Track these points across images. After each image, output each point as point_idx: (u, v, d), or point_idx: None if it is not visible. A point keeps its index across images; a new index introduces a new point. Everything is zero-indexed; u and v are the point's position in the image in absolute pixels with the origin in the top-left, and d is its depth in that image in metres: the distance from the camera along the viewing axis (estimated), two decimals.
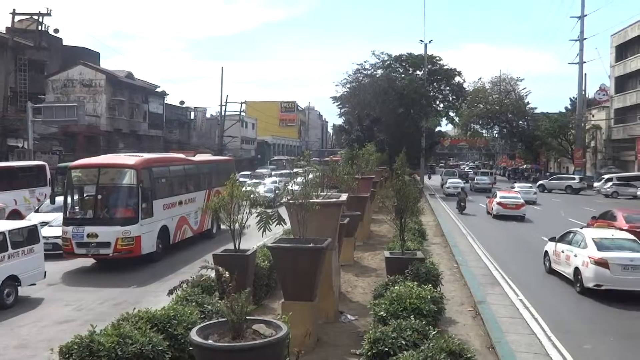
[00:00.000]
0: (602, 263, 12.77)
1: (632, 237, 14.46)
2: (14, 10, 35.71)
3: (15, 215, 21.94)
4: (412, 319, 7.44)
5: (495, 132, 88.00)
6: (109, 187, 16.24)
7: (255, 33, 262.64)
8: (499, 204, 28.93)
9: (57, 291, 13.47)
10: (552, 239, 15.77)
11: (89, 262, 16.46)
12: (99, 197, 15.92)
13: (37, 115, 34.98)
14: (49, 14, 36.21)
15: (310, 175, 9.83)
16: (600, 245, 13.45)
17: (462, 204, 30.97)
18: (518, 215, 28.33)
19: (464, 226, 24.83)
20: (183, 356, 6.93)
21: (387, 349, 6.73)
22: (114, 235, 15.19)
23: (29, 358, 9.10)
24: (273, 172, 50.80)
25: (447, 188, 43.32)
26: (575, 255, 13.82)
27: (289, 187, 9.48)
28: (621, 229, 17.02)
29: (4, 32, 38.44)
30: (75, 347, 6.04)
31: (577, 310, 12.18)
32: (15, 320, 11.12)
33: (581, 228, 16.31)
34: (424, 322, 7.32)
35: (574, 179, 51.27)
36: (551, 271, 15.38)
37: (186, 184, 19.59)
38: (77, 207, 16.25)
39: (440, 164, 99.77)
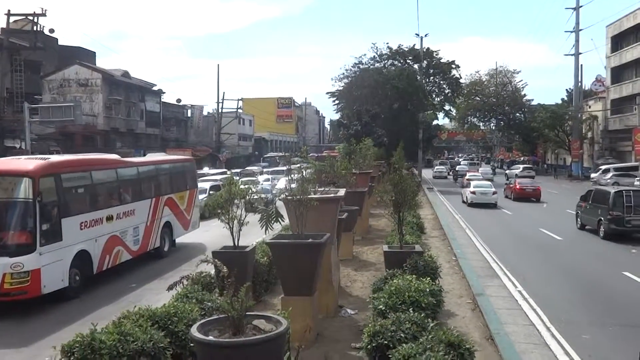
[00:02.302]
0: (473, 192, 31.75)
1: (489, 183, 35.38)
2: (9, 10, 35.70)
3: None
4: (411, 312, 7.45)
5: (493, 124, 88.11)
6: None
7: (251, 30, 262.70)
8: (467, 179, 45.19)
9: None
10: (462, 186, 37.12)
11: None
12: None
13: (34, 115, 34.92)
14: (44, 14, 36.19)
15: (306, 172, 9.84)
16: (475, 186, 32.73)
17: (457, 177, 56.29)
18: None
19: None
20: (184, 353, 6.98)
21: (386, 342, 6.77)
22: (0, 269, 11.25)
23: (30, 357, 9.15)
24: (264, 170, 49.22)
25: (435, 172, 64.62)
26: (466, 191, 32.79)
27: (286, 184, 9.49)
28: (515, 187, 35.71)
29: None
30: (77, 345, 6.07)
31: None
32: (15, 320, 11.16)
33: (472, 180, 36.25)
34: (422, 315, 7.33)
35: (519, 168, 60.83)
36: (463, 201, 33.41)
37: (120, 193, 15.33)
38: None
39: (442, 158, 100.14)
